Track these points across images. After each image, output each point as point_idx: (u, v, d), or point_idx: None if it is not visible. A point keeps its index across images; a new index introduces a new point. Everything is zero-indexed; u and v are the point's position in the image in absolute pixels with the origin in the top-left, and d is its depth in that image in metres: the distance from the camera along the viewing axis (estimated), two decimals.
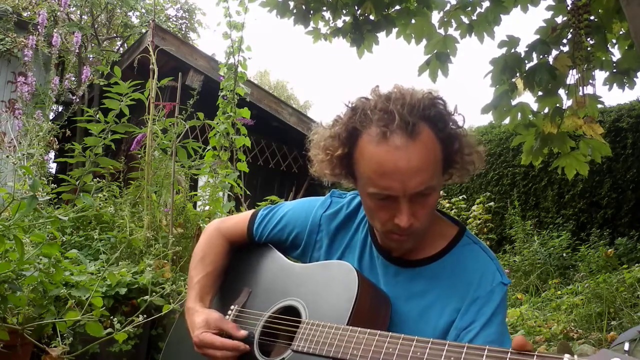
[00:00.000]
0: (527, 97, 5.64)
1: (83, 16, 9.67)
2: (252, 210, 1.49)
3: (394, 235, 1.15)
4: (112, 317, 1.84)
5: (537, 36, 3.44)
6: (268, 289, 1.34)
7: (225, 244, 1.47)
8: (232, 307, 1.34)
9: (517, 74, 3.47)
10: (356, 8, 3.95)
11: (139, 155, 3.06)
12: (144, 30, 9.03)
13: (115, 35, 10.40)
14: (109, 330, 1.77)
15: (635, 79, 3.60)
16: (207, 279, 1.40)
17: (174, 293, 2.14)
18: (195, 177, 3.83)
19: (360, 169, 1.13)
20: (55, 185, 2.76)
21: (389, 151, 1.05)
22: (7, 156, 2.82)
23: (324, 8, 4.02)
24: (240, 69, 3.77)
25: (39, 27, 3.61)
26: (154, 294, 2.01)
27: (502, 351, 0.84)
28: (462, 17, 3.74)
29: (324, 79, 49.39)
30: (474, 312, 1.14)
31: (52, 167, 6.38)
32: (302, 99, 26.04)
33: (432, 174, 1.09)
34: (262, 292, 1.34)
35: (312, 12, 4.02)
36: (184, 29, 12.03)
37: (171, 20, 11.86)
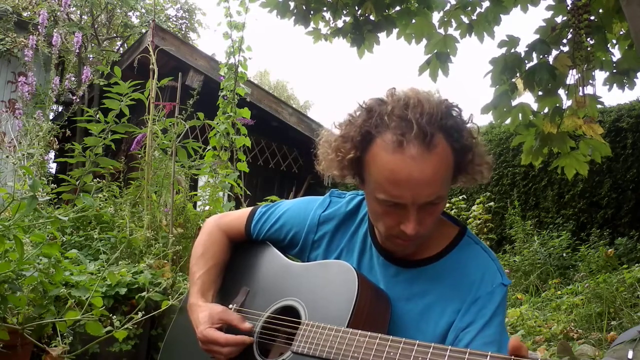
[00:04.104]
0: (527, 98, 5.64)
1: (83, 16, 9.67)
2: (251, 208, 1.48)
3: (397, 240, 1.15)
4: (112, 316, 1.84)
5: (537, 36, 3.45)
6: (266, 289, 1.34)
7: (225, 239, 1.47)
8: (230, 306, 1.33)
9: (517, 74, 3.47)
10: (356, 8, 3.95)
11: (139, 155, 3.06)
12: (144, 30, 9.03)
13: (115, 35, 10.39)
14: (109, 328, 1.77)
15: (635, 79, 3.60)
16: (209, 274, 1.40)
17: (172, 291, 2.15)
18: (195, 177, 3.83)
19: (371, 174, 1.11)
20: (55, 185, 2.75)
21: (404, 160, 1.03)
22: (7, 156, 2.82)
23: (325, 8, 4.03)
24: (240, 69, 3.77)
25: (39, 27, 3.60)
26: (151, 290, 2.01)
27: (505, 358, 0.84)
28: (462, 17, 3.75)
29: (324, 79, 49.39)
30: (474, 312, 1.14)
31: (52, 167, 6.38)
32: (302, 99, 26.02)
33: (443, 184, 1.08)
34: (261, 292, 1.34)
35: (312, 12, 4.02)
36: (184, 29, 12.03)
37: (171, 20, 11.85)
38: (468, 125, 1.13)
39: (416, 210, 1.08)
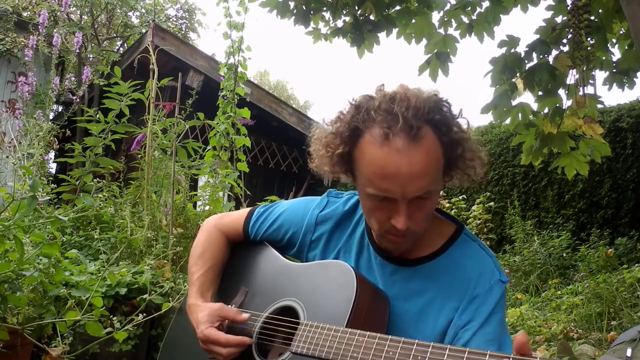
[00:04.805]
0: (527, 97, 5.64)
1: (83, 16, 9.67)
2: (249, 208, 1.49)
3: (390, 236, 1.15)
4: (112, 317, 1.84)
5: (537, 36, 3.44)
6: (265, 289, 1.34)
7: (224, 239, 1.47)
8: (228, 306, 1.33)
9: (517, 74, 3.47)
10: (356, 8, 3.95)
11: (139, 155, 3.06)
12: (144, 30, 9.03)
13: (115, 35, 10.40)
14: (109, 329, 1.77)
15: (635, 79, 3.60)
16: (208, 275, 1.40)
17: (173, 292, 2.15)
18: (195, 177, 3.83)
19: (360, 168, 1.12)
20: (55, 185, 2.75)
21: (391, 154, 1.04)
22: (7, 156, 2.82)
23: (324, 8, 4.03)
24: (240, 69, 3.78)
25: (39, 27, 3.60)
26: (153, 292, 2.01)
27: (504, 356, 0.84)
28: (462, 16, 3.74)
29: (324, 79, 49.40)
30: (472, 310, 1.14)
31: (52, 167, 6.38)
32: (302, 99, 26.03)
33: (432, 178, 1.08)
34: (259, 292, 1.34)
35: (312, 12, 4.02)
36: (184, 29, 12.03)
37: (171, 20, 11.86)
38: (458, 119, 1.13)
39: (406, 205, 1.08)
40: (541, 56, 3.37)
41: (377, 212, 1.13)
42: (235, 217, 1.48)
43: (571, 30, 3.18)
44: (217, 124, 3.50)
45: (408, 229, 1.10)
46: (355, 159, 1.13)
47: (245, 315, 1.26)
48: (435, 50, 3.69)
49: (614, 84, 3.62)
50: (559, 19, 3.49)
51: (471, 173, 1.16)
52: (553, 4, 3.51)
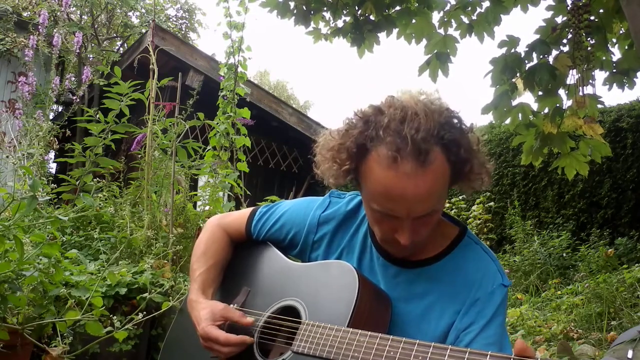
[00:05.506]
0: (528, 97, 5.64)
1: (83, 16, 9.67)
2: (252, 208, 1.49)
3: (392, 246, 1.16)
4: (112, 316, 1.84)
5: (537, 36, 3.45)
6: (267, 289, 1.34)
7: (227, 238, 1.47)
8: (230, 306, 1.33)
9: (517, 74, 3.47)
10: (357, 8, 3.95)
11: (139, 155, 3.06)
12: (144, 30, 9.03)
13: (115, 35, 10.40)
14: (109, 329, 1.77)
15: (635, 79, 3.60)
16: (209, 272, 1.40)
17: (173, 292, 2.15)
18: (195, 177, 3.83)
19: (365, 184, 1.11)
20: (55, 185, 2.75)
21: (397, 177, 1.02)
22: (7, 156, 2.82)
23: (325, 8, 4.03)
24: (240, 69, 3.78)
25: (39, 27, 3.60)
26: (152, 291, 2.01)
27: (505, 357, 0.84)
28: (462, 17, 3.74)
29: (324, 79, 49.38)
30: (474, 313, 1.13)
31: (52, 167, 6.38)
32: (302, 99, 26.03)
33: (438, 198, 1.08)
34: (261, 292, 1.34)
35: (312, 12, 4.02)
36: (184, 29, 12.03)
37: (171, 20, 11.86)
38: (468, 135, 1.10)
39: (411, 222, 1.08)
40: (541, 56, 3.37)
41: (381, 224, 1.13)
42: (238, 217, 1.48)
43: (571, 30, 3.18)
44: (217, 124, 3.50)
45: (411, 243, 1.10)
46: (361, 173, 1.11)
47: (249, 319, 1.25)
48: (435, 51, 3.69)
49: (614, 84, 3.62)
50: (559, 19, 3.49)
51: (477, 185, 1.14)
52: (553, 4, 3.51)
